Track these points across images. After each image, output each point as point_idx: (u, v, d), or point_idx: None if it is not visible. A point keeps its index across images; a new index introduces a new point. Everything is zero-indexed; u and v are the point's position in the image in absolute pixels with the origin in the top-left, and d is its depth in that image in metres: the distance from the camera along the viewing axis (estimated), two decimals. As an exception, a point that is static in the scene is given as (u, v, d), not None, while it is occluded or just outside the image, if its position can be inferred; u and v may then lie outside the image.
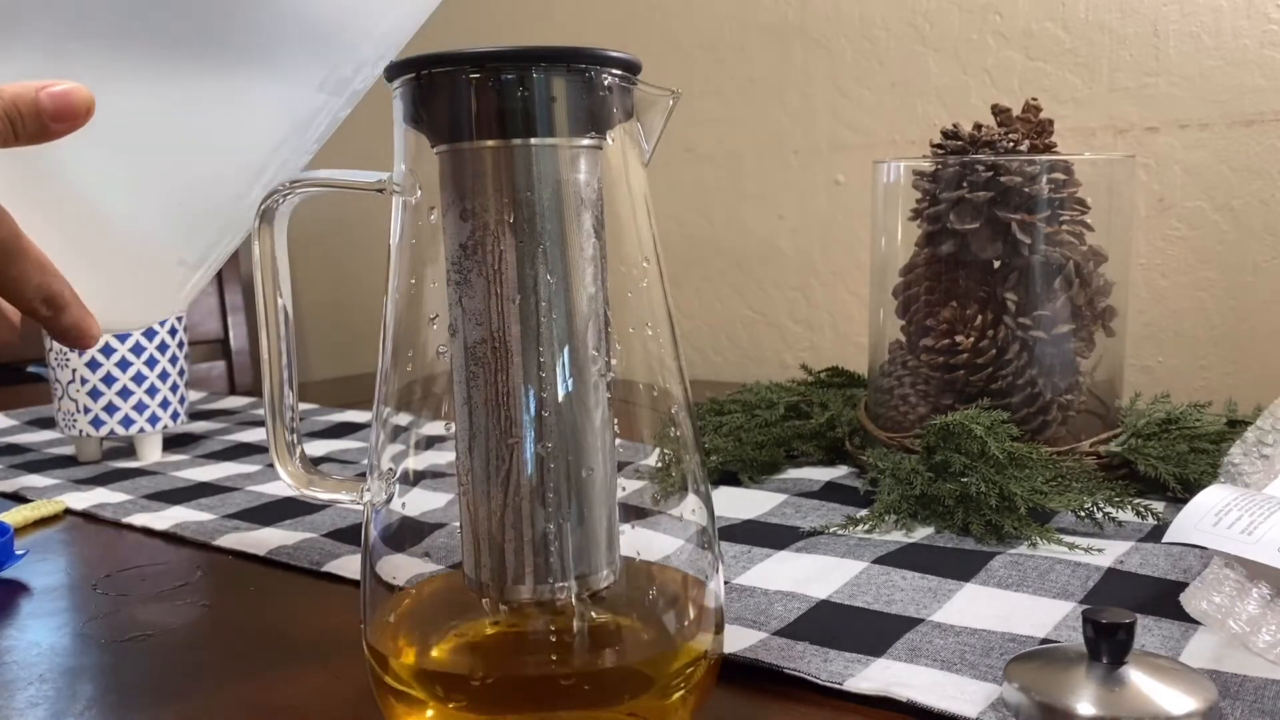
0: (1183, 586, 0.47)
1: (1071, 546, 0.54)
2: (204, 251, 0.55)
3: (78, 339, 0.47)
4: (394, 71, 0.35)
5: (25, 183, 0.46)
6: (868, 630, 0.46)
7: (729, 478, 0.72)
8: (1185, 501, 0.49)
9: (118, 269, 0.52)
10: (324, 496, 0.41)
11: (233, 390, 1.40)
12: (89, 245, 0.49)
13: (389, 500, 0.38)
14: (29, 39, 0.45)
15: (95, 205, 0.50)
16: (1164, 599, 0.47)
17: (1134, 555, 0.54)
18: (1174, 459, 0.65)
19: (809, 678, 0.41)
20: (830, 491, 0.69)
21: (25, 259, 0.44)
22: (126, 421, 0.83)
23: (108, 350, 0.82)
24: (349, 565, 0.57)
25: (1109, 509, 0.58)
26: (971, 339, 0.68)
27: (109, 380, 0.82)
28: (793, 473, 0.73)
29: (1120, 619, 0.34)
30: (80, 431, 0.83)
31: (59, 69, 0.42)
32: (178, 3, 0.45)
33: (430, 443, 0.38)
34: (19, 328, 0.49)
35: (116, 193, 0.50)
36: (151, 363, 0.83)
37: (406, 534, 0.39)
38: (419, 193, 0.36)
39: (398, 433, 0.38)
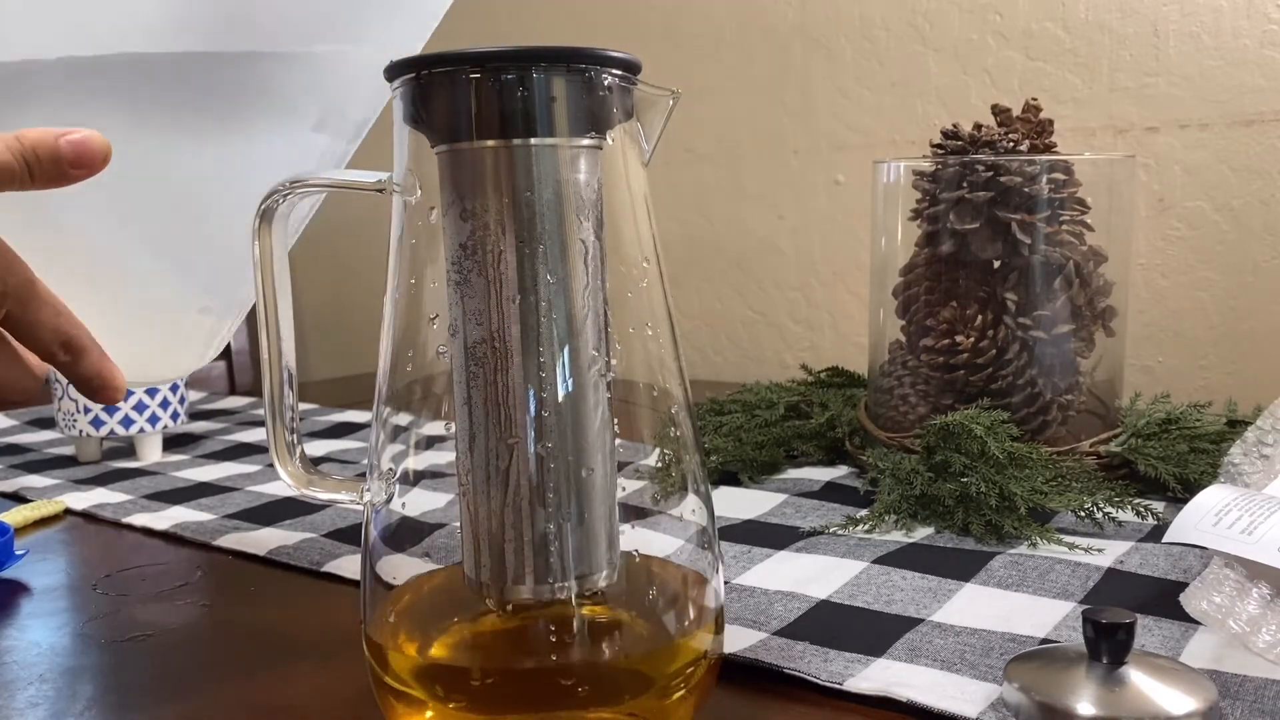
0: (1183, 586, 0.47)
1: (1071, 546, 0.54)
2: (226, 299, 0.55)
3: (101, 388, 0.47)
4: (394, 71, 0.35)
5: (43, 237, 0.47)
6: (868, 630, 0.46)
7: (729, 478, 0.72)
8: (1185, 501, 0.49)
9: (137, 320, 0.52)
10: (324, 496, 0.41)
11: (233, 390, 1.40)
12: (108, 297, 0.50)
13: (389, 500, 0.38)
14: (44, 96, 0.46)
15: (110, 257, 0.50)
16: (1164, 599, 0.47)
17: (1134, 555, 0.54)
18: (1174, 459, 0.65)
19: (809, 678, 0.41)
20: (830, 491, 0.69)
21: (41, 304, 0.44)
22: (126, 421, 0.83)
23: (108, 350, 0.82)
24: (349, 565, 0.57)
25: (1109, 509, 0.58)
26: (971, 339, 0.68)
27: (109, 380, 0.82)
28: (793, 473, 0.73)
29: (1120, 619, 0.34)
30: (80, 431, 0.83)
31: (73, 124, 0.43)
32: (182, 65, 0.47)
33: (430, 443, 0.38)
34: (41, 377, 0.49)
35: (130, 245, 0.50)
36: (151, 363, 0.83)
37: (406, 534, 0.39)
38: (419, 193, 0.36)
39: (398, 433, 0.38)
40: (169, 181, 0.49)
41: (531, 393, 0.34)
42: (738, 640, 0.45)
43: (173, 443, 0.92)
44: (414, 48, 0.53)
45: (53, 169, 0.42)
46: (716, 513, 0.40)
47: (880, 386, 0.74)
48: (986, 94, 1.08)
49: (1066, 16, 1.03)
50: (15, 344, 0.45)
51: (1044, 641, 0.44)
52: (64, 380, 0.82)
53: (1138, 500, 0.59)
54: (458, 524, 0.36)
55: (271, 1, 0.47)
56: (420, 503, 0.38)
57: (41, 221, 0.44)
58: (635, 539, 0.38)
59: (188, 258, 0.51)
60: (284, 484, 0.41)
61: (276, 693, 0.44)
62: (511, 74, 0.33)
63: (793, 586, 0.51)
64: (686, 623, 0.38)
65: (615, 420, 0.36)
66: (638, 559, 0.38)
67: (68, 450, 0.90)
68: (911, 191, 0.71)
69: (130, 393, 0.82)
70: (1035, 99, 0.72)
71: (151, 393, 0.83)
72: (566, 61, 0.34)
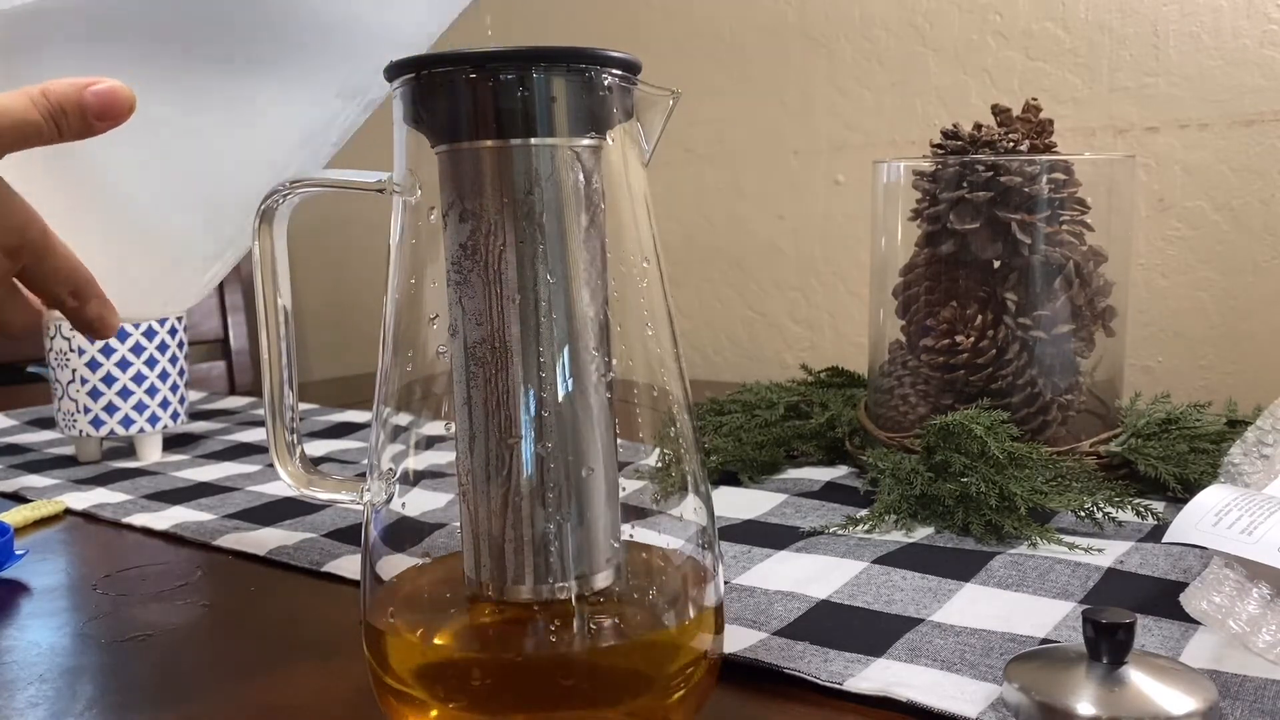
0: (1183, 586, 0.47)
1: (1071, 546, 0.54)
2: (223, 244, 0.56)
3: (100, 329, 0.50)
4: (394, 71, 0.35)
5: (59, 179, 0.47)
6: (868, 630, 0.46)
7: (729, 478, 0.72)
8: (1185, 501, 0.49)
9: (145, 261, 0.53)
10: (324, 496, 0.41)
11: (233, 390, 1.40)
12: (119, 239, 0.50)
13: (389, 500, 0.38)
14: (59, 44, 0.46)
15: (125, 201, 0.51)
16: (1164, 599, 0.47)
17: (1134, 555, 0.54)
18: (1174, 459, 0.65)
19: (809, 678, 0.41)
20: (830, 491, 0.69)
21: (55, 255, 0.46)
22: (126, 421, 0.83)
23: (108, 350, 0.82)
24: (349, 565, 0.57)
25: (1109, 509, 0.58)
26: (971, 339, 0.68)
27: (109, 380, 0.82)
28: (793, 473, 0.73)
29: (1120, 619, 0.34)
30: (80, 431, 0.83)
31: (88, 72, 0.43)
32: (200, 12, 0.47)
33: (430, 443, 0.38)
34: (42, 312, 0.52)
35: (144, 189, 0.51)
36: (151, 363, 0.83)
37: (406, 534, 0.39)
38: (419, 193, 0.36)
39: (398, 433, 0.38)
40: (180, 127, 0.50)
41: (531, 393, 0.34)
42: (738, 640, 0.45)
43: (173, 443, 0.92)
44: (440, 27, 0.53)
45: (79, 123, 0.43)
46: (716, 513, 0.40)
47: (880, 386, 0.74)
48: (986, 94, 1.08)
49: (1066, 16, 1.03)
50: (20, 286, 0.48)
51: (1044, 641, 0.44)
52: (64, 380, 0.82)
53: (1138, 500, 0.59)
54: (458, 524, 0.36)
55: None
56: (420, 503, 0.38)
57: (55, 152, 0.45)
58: (635, 539, 0.38)
59: (198, 200, 0.51)
60: (284, 484, 0.41)
61: (276, 693, 0.44)
62: (511, 74, 0.33)
63: (793, 586, 0.51)
64: (686, 623, 0.38)
65: (615, 420, 0.36)
66: (638, 559, 0.38)
67: (68, 450, 0.90)
68: (911, 191, 0.71)
69: (136, 383, 0.82)
70: (1035, 99, 0.72)
71: (152, 392, 0.83)
72: (566, 61, 0.34)
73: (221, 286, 1.51)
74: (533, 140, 0.34)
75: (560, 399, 0.35)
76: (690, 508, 0.38)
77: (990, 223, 0.67)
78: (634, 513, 0.38)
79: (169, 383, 0.85)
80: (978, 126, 0.70)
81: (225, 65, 0.48)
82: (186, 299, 0.62)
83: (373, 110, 0.56)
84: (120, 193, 0.50)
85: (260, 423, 1.03)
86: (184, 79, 0.48)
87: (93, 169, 0.48)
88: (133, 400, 0.82)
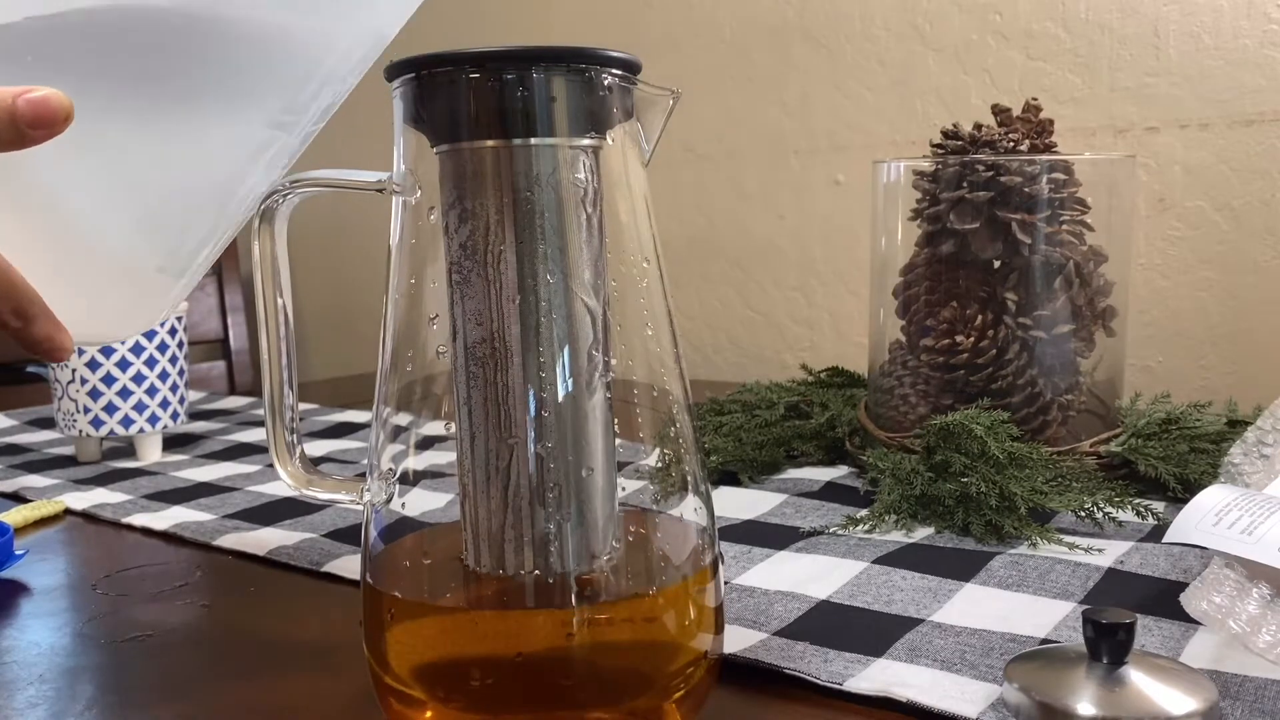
0: (1183, 586, 0.47)
1: (1072, 546, 0.54)
2: (184, 260, 0.55)
3: (50, 351, 0.47)
4: (394, 71, 0.35)
5: (3, 187, 0.46)
6: (868, 630, 0.46)
7: (729, 478, 0.72)
8: (1185, 501, 0.49)
9: (91, 279, 0.52)
10: (324, 496, 0.41)
11: (233, 390, 1.40)
12: (62, 256, 0.49)
13: (389, 500, 0.38)
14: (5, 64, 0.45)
15: (65, 216, 0.50)
16: (1164, 599, 0.47)
17: (1134, 555, 0.54)
18: (1174, 459, 0.65)
19: (809, 678, 0.41)
20: (830, 491, 0.69)
21: None
22: (126, 421, 0.83)
23: (107, 350, 0.82)
24: (349, 565, 0.57)
25: (1109, 509, 0.58)
26: (971, 339, 0.68)
27: (109, 380, 0.82)
28: (793, 473, 0.73)
29: (1120, 619, 0.34)
30: (80, 431, 0.83)
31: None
32: (135, 44, 0.46)
33: (430, 443, 0.38)
34: None
35: (85, 204, 0.50)
36: (151, 363, 0.83)
37: (406, 534, 0.39)
38: (419, 193, 0.36)
39: (398, 433, 0.38)
40: (122, 147, 0.49)
41: (531, 393, 0.34)
42: (738, 640, 0.45)
43: (173, 443, 0.92)
44: (389, 34, 0.52)
45: (10, 131, 0.41)
46: (716, 513, 0.40)
47: (880, 386, 0.74)
48: (986, 94, 1.08)
49: (1066, 16, 1.03)
50: None
51: (1044, 641, 0.44)
52: (64, 380, 0.82)
53: (1138, 500, 0.59)
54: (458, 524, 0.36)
55: None
56: (420, 503, 0.38)
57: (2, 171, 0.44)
58: (635, 539, 0.38)
59: (143, 220, 0.51)
60: (284, 484, 0.41)
61: (276, 693, 0.44)
62: (511, 74, 0.33)
63: (793, 586, 0.51)
64: (686, 623, 0.38)
65: (615, 420, 0.36)
66: (638, 559, 0.38)
67: (68, 450, 0.90)
68: (911, 191, 0.71)
69: (130, 388, 0.82)
70: (1035, 99, 0.72)
71: (152, 392, 0.83)
72: (566, 61, 0.34)
73: (221, 286, 1.51)
74: (533, 140, 0.34)
75: (560, 399, 0.35)
76: (690, 508, 0.38)
77: (990, 223, 0.67)
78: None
79: (169, 383, 0.85)
80: (978, 126, 0.70)
81: (161, 91, 0.48)
82: (150, 317, 0.61)
83: (321, 124, 0.55)
84: (58, 206, 0.49)
85: (260, 423, 1.03)
86: (122, 105, 0.48)
87: (29, 184, 0.47)
88: (132, 400, 0.82)
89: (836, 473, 0.73)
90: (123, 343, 0.82)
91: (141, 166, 0.50)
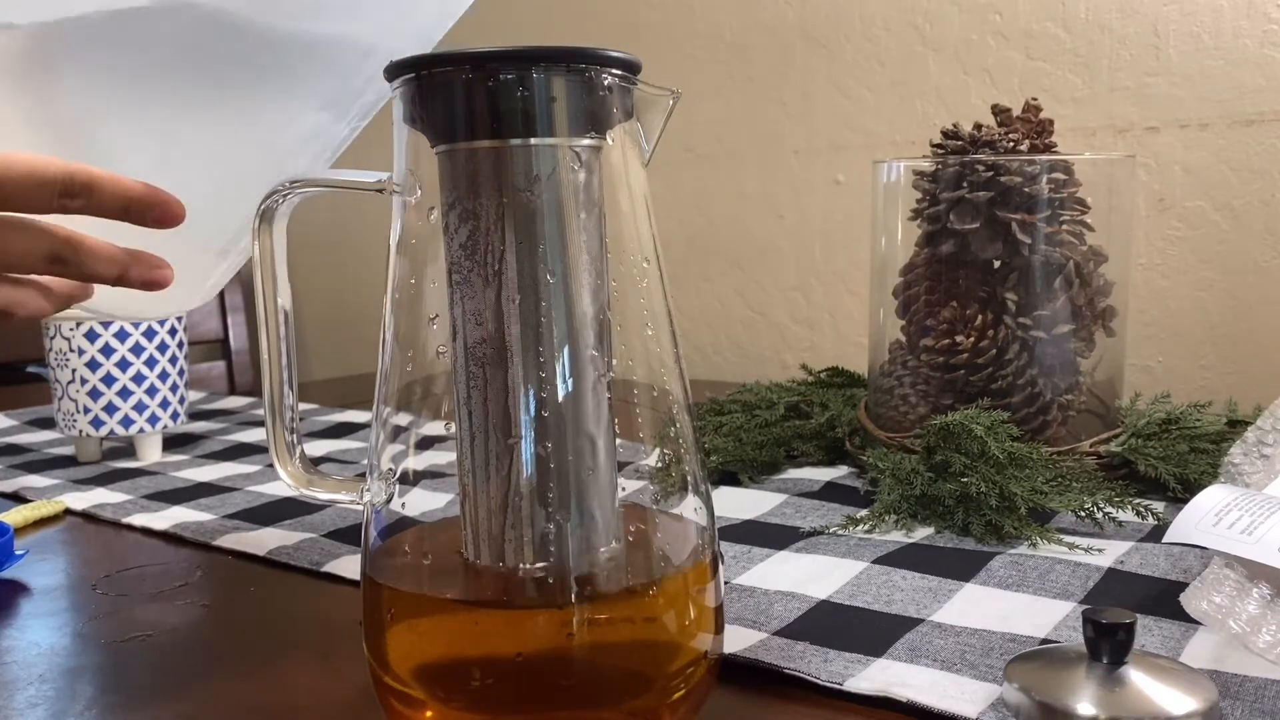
0: (1183, 586, 0.47)
1: (1072, 546, 0.54)
2: (232, 238, 0.57)
3: (151, 282, 0.49)
4: (394, 71, 0.35)
5: (71, 155, 0.48)
6: (868, 630, 0.46)
7: (729, 478, 0.72)
8: (1185, 501, 0.49)
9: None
10: (324, 496, 0.41)
11: (233, 390, 1.40)
12: (131, 235, 0.50)
13: (389, 500, 0.38)
14: (69, 80, 0.47)
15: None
16: (1164, 599, 0.47)
17: (1134, 555, 0.54)
18: (1174, 459, 0.65)
19: (809, 678, 0.41)
20: (830, 491, 0.69)
21: (102, 183, 0.45)
22: (126, 421, 0.83)
23: (107, 350, 0.82)
24: (349, 565, 0.57)
25: (1109, 509, 0.58)
26: (971, 339, 0.68)
27: (109, 380, 0.82)
28: (793, 473, 0.73)
29: (1120, 619, 0.34)
30: (80, 431, 0.83)
31: (99, 104, 0.44)
32: (191, 50, 0.48)
33: (430, 443, 0.38)
34: (61, 293, 0.51)
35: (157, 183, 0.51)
36: (151, 363, 0.83)
37: (406, 534, 0.39)
38: (419, 193, 0.36)
39: (398, 433, 0.38)
40: (187, 137, 0.51)
41: (531, 393, 0.34)
42: (738, 640, 0.45)
43: (173, 443, 0.92)
44: (433, 39, 0.54)
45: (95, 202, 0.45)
46: (716, 513, 0.40)
47: (880, 386, 0.74)
48: (986, 94, 1.08)
49: (1066, 16, 1.03)
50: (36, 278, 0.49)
51: (1044, 641, 0.44)
52: (64, 380, 0.82)
53: (1138, 500, 0.59)
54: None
55: None
56: (420, 503, 0.38)
57: (66, 136, 0.45)
58: (635, 539, 0.38)
59: (204, 196, 0.52)
60: (284, 484, 0.41)
61: (276, 693, 0.44)
62: (511, 74, 0.33)
63: (793, 586, 0.51)
64: (686, 623, 0.38)
65: (615, 420, 0.36)
66: (638, 559, 0.38)
67: (68, 450, 0.90)
68: (911, 191, 0.71)
69: (136, 385, 0.82)
70: (1035, 99, 0.72)
71: (152, 392, 0.83)
72: (566, 61, 0.34)
73: (221, 286, 1.51)
74: (533, 140, 0.34)
75: (560, 399, 0.35)
76: (690, 508, 0.38)
77: (990, 223, 0.67)
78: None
79: (169, 383, 0.85)
80: (978, 126, 0.70)
81: (221, 86, 0.49)
82: (191, 299, 0.63)
83: (373, 114, 0.57)
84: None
85: (260, 423, 1.03)
86: (185, 101, 0.49)
87: (108, 159, 0.49)
88: (132, 400, 0.82)
89: (836, 473, 0.73)
90: (122, 342, 0.82)
91: (203, 152, 0.52)
